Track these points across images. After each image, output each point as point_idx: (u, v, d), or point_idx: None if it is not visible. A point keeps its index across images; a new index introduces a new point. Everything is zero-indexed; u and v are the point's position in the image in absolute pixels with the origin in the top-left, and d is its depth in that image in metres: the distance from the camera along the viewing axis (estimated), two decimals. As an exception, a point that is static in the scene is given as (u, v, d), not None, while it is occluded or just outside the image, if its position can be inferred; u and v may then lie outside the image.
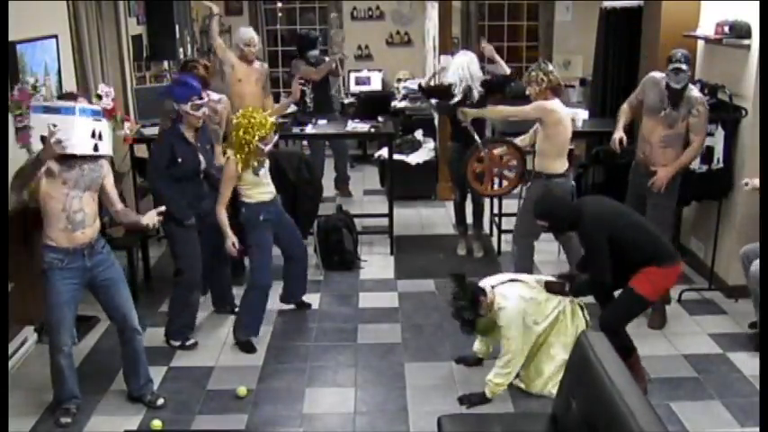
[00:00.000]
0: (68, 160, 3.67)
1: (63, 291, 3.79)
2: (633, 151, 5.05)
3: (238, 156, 4.45)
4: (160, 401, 4.11)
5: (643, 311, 4.16)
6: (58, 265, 3.75)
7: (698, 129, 4.73)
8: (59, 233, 3.73)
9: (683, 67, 4.65)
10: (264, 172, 4.63)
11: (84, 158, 3.71)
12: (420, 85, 6.30)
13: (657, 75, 4.91)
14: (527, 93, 5.03)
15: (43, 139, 3.56)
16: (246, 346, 4.74)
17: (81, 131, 3.63)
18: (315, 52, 7.21)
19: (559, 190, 4.85)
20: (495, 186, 5.66)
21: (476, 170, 5.45)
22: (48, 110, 3.66)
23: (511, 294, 4.04)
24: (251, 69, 6.22)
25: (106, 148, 3.76)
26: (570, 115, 5.16)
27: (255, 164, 4.53)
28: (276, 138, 4.64)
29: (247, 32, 6.25)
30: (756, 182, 4.61)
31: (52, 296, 3.79)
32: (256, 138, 4.40)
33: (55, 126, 3.55)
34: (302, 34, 7.70)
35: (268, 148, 4.51)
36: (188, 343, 4.78)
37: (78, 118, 3.62)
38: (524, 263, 5.13)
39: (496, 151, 5.41)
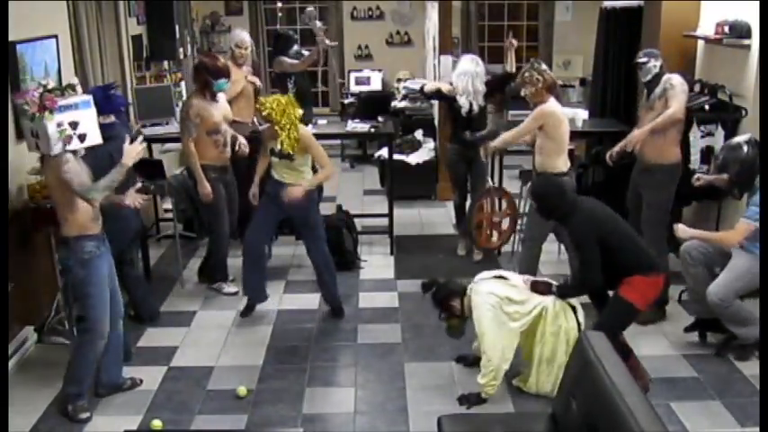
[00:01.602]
0: (77, 158, 3.75)
1: (105, 276, 3.86)
2: (633, 152, 5.08)
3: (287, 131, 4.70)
4: (128, 383, 4.26)
5: (634, 320, 4.15)
6: (96, 252, 3.81)
7: (672, 97, 4.74)
8: (91, 223, 3.79)
9: (641, 60, 4.81)
10: (275, 161, 4.86)
11: (80, 153, 3.80)
12: (422, 89, 6.32)
13: None
14: (522, 94, 5.04)
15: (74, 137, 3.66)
16: (245, 310, 5.16)
17: (95, 122, 3.77)
18: (295, 49, 7.01)
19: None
20: (494, 238, 5.96)
21: (479, 221, 5.79)
22: (65, 108, 3.66)
23: (482, 290, 4.07)
24: (235, 72, 6.15)
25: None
26: (570, 115, 5.18)
27: (274, 148, 4.79)
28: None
29: (240, 34, 6.19)
30: (708, 178, 4.65)
31: (98, 285, 3.83)
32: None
33: (76, 125, 3.65)
34: (279, 33, 7.52)
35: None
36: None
37: (92, 109, 3.76)
38: (529, 265, 5.13)
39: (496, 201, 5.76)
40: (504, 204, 5.90)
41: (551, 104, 4.92)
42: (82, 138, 3.70)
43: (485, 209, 5.84)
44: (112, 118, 4.48)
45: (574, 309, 4.06)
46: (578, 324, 4.00)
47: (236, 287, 5.57)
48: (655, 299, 4.15)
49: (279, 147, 4.74)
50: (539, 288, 4.11)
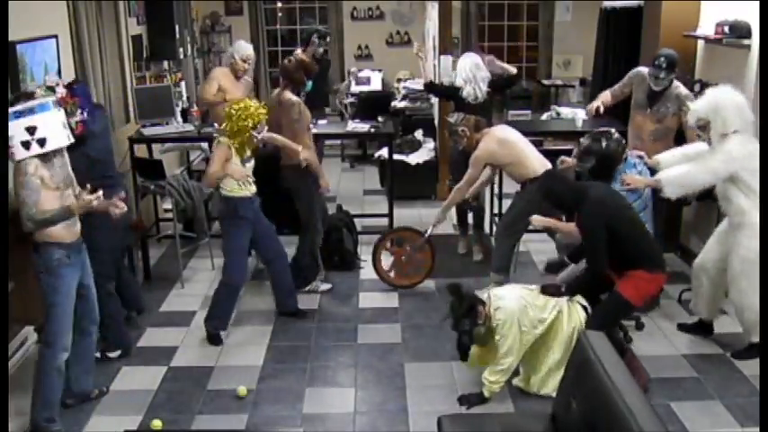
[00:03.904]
0: (48, 161, 3.62)
1: (72, 287, 3.77)
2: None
3: (233, 141, 4.60)
4: (95, 392, 4.17)
5: (627, 316, 4.16)
6: (66, 261, 3.73)
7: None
8: (61, 230, 3.69)
9: (662, 75, 4.89)
10: (250, 166, 4.72)
11: (55, 154, 3.66)
12: (427, 84, 6.33)
13: (644, 70, 5.05)
14: (461, 148, 5.26)
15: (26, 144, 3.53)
16: (213, 339, 4.84)
17: (58, 124, 3.63)
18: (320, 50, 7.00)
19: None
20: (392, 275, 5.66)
21: (385, 250, 5.58)
22: (20, 114, 3.55)
23: (508, 294, 4.05)
24: (237, 85, 6.20)
25: (70, 135, 3.77)
26: (569, 115, 5.20)
27: (248, 153, 4.67)
28: (265, 128, 4.74)
29: (247, 48, 6.24)
30: (570, 160, 4.82)
31: (64, 295, 3.73)
32: (250, 124, 4.56)
33: (33, 129, 3.51)
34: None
35: (261, 135, 4.67)
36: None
37: (53, 111, 3.61)
38: (503, 261, 5.15)
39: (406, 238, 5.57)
40: (419, 252, 5.55)
41: (481, 146, 5.03)
42: (41, 142, 3.55)
43: (402, 244, 5.58)
44: (83, 115, 4.35)
45: (585, 308, 4.06)
46: (588, 321, 4.00)
47: (330, 283, 5.62)
48: (652, 296, 4.16)
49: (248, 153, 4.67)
50: (549, 290, 4.11)
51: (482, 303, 4.04)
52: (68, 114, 3.98)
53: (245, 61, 6.14)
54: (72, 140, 3.75)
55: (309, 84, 5.25)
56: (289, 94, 5.13)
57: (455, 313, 4.06)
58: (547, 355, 4.08)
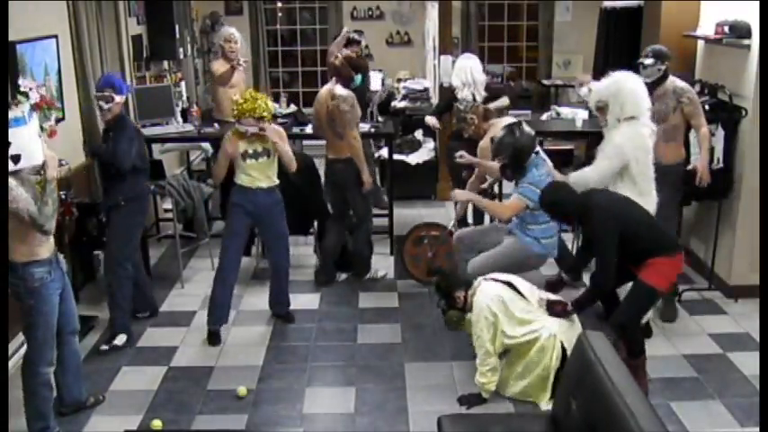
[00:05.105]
0: (22, 176, 3.38)
1: (54, 304, 3.64)
2: None
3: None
4: (91, 400, 4.11)
5: (655, 304, 4.18)
6: (48, 278, 3.58)
7: (696, 114, 4.86)
8: (38, 248, 3.53)
9: (647, 61, 4.86)
10: (252, 163, 4.70)
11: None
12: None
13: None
14: (467, 136, 5.34)
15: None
16: (212, 338, 4.83)
17: (33, 139, 3.38)
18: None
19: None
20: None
21: (413, 254, 5.57)
22: None
23: (488, 290, 4.04)
24: (238, 73, 6.19)
25: (44, 142, 3.56)
26: (569, 115, 5.19)
27: (249, 150, 4.68)
28: (254, 126, 4.60)
29: (227, 29, 6.28)
30: (470, 157, 4.98)
31: (47, 313, 3.60)
32: (235, 112, 4.63)
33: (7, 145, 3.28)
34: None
35: (246, 128, 4.60)
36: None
37: (30, 124, 3.36)
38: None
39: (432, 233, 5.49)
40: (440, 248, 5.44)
41: (488, 135, 5.07)
42: (15, 159, 3.31)
43: (424, 244, 5.51)
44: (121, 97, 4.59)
45: (564, 349, 3.89)
46: (562, 365, 3.85)
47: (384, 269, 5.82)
48: (676, 277, 4.16)
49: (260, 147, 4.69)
50: (555, 311, 4.02)
51: (465, 288, 4.12)
52: (44, 118, 3.91)
53: (228, 41, 6.14)
54: (46, 149, 3.51)
55: (359, 78, 5.43)
56: (341, 88, 5.32)
57: (437, 293, 4.22)
58: (511, 361, 4.09)
